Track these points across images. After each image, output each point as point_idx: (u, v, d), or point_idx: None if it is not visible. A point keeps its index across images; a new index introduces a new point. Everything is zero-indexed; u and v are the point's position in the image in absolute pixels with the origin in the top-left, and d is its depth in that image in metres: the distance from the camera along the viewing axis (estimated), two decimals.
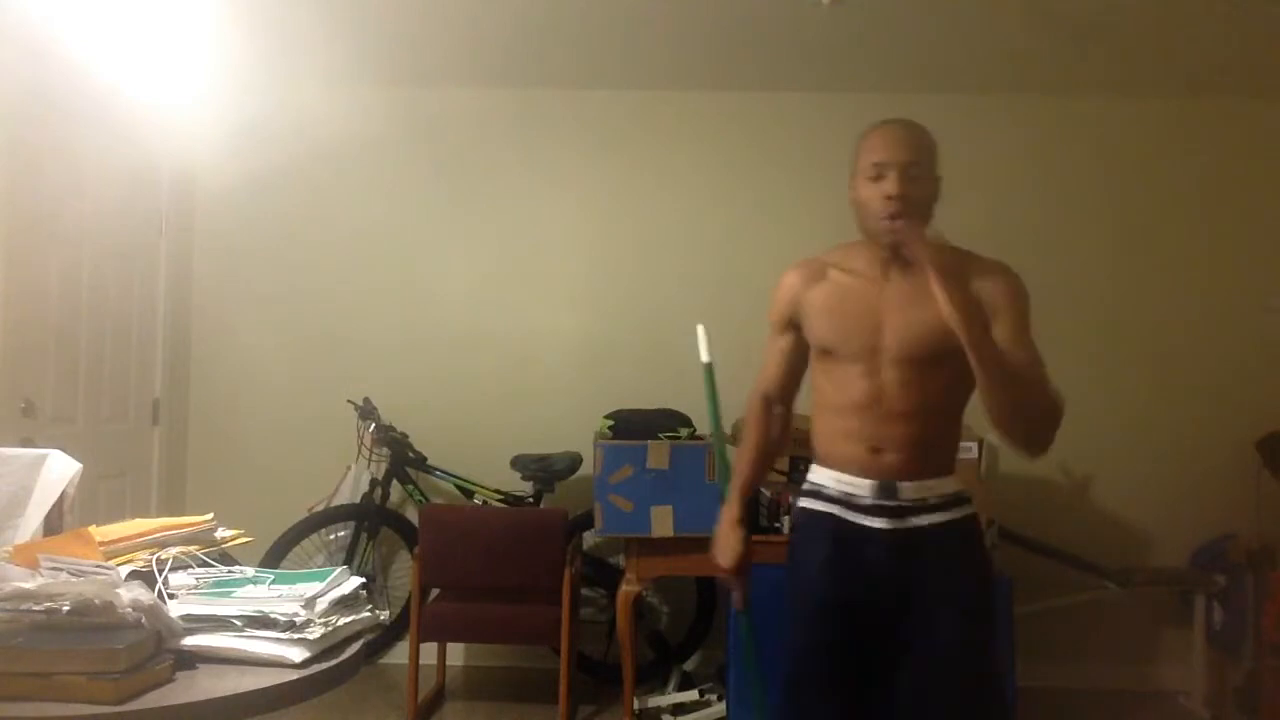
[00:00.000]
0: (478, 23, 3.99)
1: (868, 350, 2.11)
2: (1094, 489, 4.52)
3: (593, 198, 4.68)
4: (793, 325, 2.26)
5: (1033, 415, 2.01)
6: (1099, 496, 4.51)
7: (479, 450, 4.44)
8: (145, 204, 4.35)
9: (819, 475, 2.21)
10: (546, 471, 4.26)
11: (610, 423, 3.86)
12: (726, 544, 2.29)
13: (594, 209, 4.68)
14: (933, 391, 2.09)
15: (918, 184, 2.08)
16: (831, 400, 2.17)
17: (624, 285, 4.64)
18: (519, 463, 4.27)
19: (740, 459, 2.38)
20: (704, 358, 2.87)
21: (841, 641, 2.10)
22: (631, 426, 3.82)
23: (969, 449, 3.72)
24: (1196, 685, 4.20)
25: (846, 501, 2.13)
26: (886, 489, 2.09)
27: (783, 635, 2.18)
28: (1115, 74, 4.37)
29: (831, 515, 2.14)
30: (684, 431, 3.83)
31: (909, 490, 2.09)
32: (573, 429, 4.33)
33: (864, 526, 2.10)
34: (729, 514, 2.32)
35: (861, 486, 2.11)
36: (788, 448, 2.50)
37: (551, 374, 4.62)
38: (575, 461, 4.27)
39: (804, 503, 2.22)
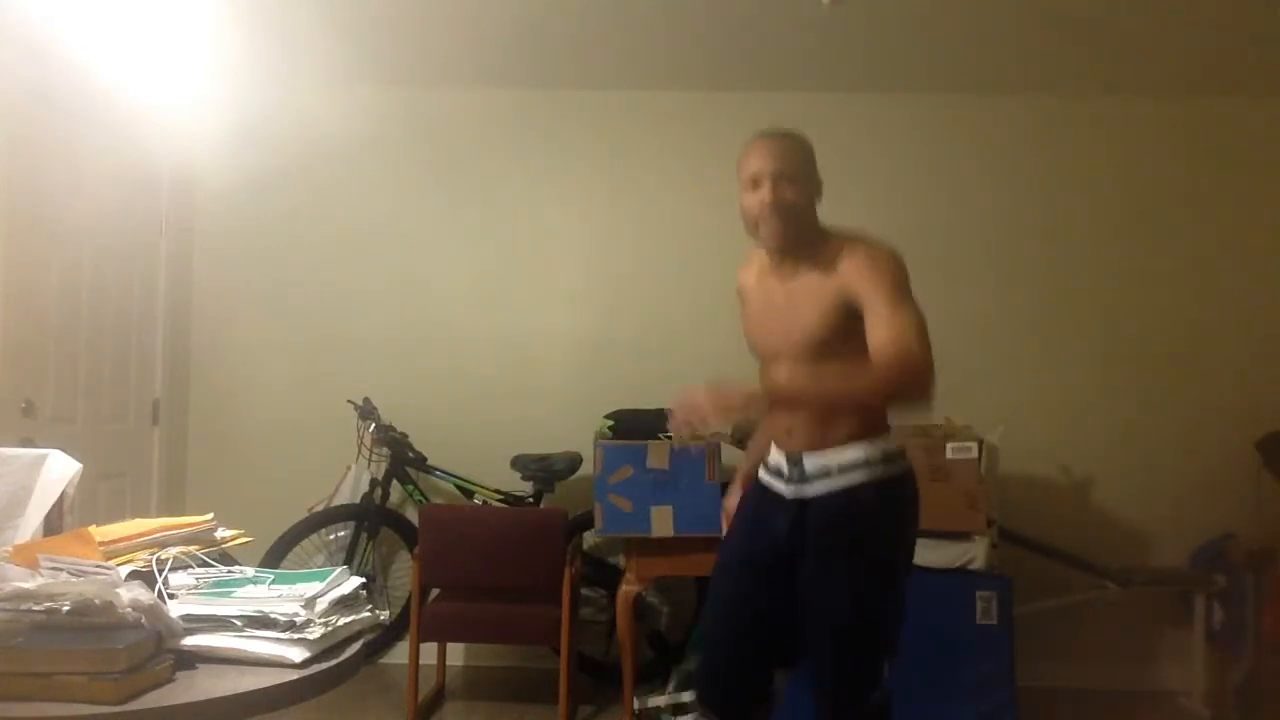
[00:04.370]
0: (478, 23, 3.99)
1: (771, 351, 2.38)
2: (1094, 489, 4.51)
3: (592, 198, 4.68)
4: None
5: (910, 397, 2.13)
6: (1099, 496, 4.51)
7: (479, 450, 4.44)
8: (145, 204, 4.35)
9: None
10: (546, 471, 4.26)
11: (610, 423, 3.86)
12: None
13: (594, 209, 4.68)
14: None
15: (792, 188, 2.28)
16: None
17: (624, 285, 4.64)
18: (519, 463, 4.27)
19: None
20: None
21: (749, 593, 2.33)
22: (631, 426, 3.82)
23: (969, 449, 3.72)
24: (1196, 685, 4.19)
25: (777, 472, 2.36)
26: (795, 462, 2.31)
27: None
28: (1115, 74, 4.37)
29: (763, 484, 2.41)
30: None
31: (811, 462, 2.27)
32: (573, 429, 4.32)
33: (779, 494, 2.34)
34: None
35: (783, 461, 2.34)
36: None
37: (551, 374, 4.62)
38: (575, 461, 4.26)
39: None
